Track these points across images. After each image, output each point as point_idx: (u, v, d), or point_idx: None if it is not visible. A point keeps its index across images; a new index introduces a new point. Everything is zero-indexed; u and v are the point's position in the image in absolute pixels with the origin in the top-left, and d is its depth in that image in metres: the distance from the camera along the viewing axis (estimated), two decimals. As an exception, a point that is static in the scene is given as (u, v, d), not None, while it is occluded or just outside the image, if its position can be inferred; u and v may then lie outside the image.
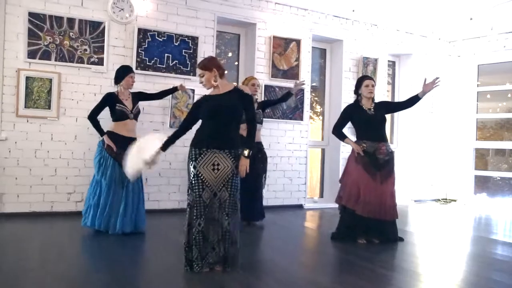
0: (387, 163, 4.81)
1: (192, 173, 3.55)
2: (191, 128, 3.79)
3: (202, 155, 3.54)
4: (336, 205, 5.08)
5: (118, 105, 4.82)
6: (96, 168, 4.85)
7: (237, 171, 3.60)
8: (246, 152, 3.59)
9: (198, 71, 3.73)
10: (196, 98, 3.87)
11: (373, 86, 4.88)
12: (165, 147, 3.70)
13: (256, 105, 5.61)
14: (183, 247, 3.56)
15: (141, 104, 5.22)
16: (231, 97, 3.62)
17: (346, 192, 4.82)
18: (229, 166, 3.56)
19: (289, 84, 6.96)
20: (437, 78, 4.86)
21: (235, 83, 6.76)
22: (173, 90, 5.48)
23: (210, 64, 3.67)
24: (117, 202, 4.74)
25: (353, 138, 4.97)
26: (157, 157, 3.71)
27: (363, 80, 4.94)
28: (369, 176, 4.72)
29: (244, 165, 3.59)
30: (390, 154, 4.87)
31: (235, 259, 3.58)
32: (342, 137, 4.99)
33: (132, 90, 5.10)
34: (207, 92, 3.79)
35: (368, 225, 4.70)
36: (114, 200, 4.73)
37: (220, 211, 3.53)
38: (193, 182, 3.53)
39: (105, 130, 4.88)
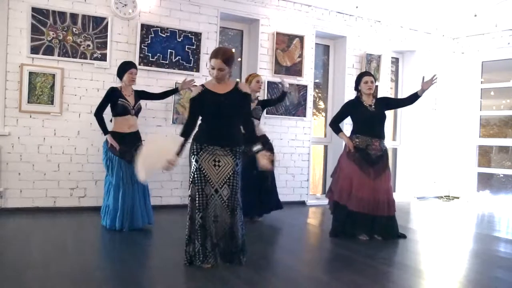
0: (380, 159, 4.80)
1: (194, 167, 3.56)
2: (196, 124, 3.71)
3: (203, 150, 3.54)
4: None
5: (121, 99, 4.82)
6: (105, 169, 4.91)
7: (238, 168, 3.60)
8: (259, 147, 3.51)
9: (220, 63, 3.50)
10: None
11: (372, 82, 4.87)
12: (180, 152, 3.57)
13: (256, 102, 5.61)
14: (185, 240, 3.59)
15: (144, 100, 5.23)
16: (231, 97, 3.57)
17: (338, 187, 4.83)
18: (230, 163, 3.56)
19: (292, 80, 6.96)
20: (435, 75, 4.87)
21: (238, 79, 6.77)
22: (175, 91, 5.45)
23: (231, 60, 3.59)
24: (129, 200, 4.78)
25: (350, 133, 4.98)
26: (176, 161, 3.58)
27: (362, 77, 4.94)
28: (362, 172, 4.72)
29: (266, 160, 3.47)
30: (384, 151, 4.87)
31: (238, 255, 3.59)
32: (338, 130, 5.02)
33: (136, 88, 5.10)
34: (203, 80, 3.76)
35: (365, 221, 4.70)
36: (125, 199, 4.77)
37: (223, 208, 3.53)
38: (195, 175, 3.54)
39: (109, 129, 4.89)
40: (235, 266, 3.54)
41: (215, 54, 3.53)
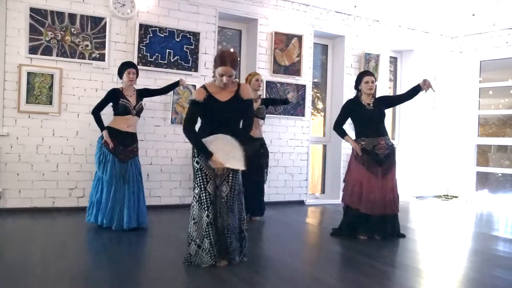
0: (388, 157, 4.80)
1: (196, 168, 3.58)
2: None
3: None
4: (338, 202, 5.08)
5: (122, 100, 4.83)
6: (96, 165, 4.87)
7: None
8: None
9: (230, 70, 3.44)
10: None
11: (373, 82, 4.86)
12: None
13: (259, 101, 5.63)
14: (187, 241, 3.60)
15: (147, 97, 5.25)
16: (233, 105, 3.54)
17: (348, 191, 4.83)
18: None
19: (290, 80, 6.98)
20: (431, 87, 4.81)
21: (237, 81, 6.76)
22: (176, 84, 5.47)
23: (237, 62, 3.56)
24: (119, 198, 4.76)
25: (353, 135, 4.96)
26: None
27: (363, 76, 4.92)
28: (370, 173, 4.71)
29: (217, 165, 3.48)
30: (391, 147, 4.85)
31: (238, 252, 3.61)
32: (343, 134, 4.98)
33: (137, 87, 5.10)
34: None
35: (370, 222, 4.70)
36: (116, 196, 4.75)
37: (223, 205, 3.55)
38: (198, 176, 3.56)
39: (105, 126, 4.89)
40: (235, 265, 3.54)
41: (223, 61, 3.45)
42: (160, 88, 5.41)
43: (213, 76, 3.59)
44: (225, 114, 3.54)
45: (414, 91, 4.89)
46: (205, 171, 3.55)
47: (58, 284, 3.07)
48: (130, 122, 4.90)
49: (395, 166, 4.92)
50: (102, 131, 4.84)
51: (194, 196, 3.59)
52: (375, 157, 4.74)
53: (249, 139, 3.85)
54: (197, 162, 3.57)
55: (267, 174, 5.76)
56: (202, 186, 3.54)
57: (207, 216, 3.51)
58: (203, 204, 3.53)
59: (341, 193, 5.05)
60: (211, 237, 3.49)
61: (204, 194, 3.53)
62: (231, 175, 3.57)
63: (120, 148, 4.80)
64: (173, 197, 6.23)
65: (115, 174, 4.77)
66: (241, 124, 3.69)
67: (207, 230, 3.50)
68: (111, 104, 4.89)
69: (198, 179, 3.56)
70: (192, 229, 3.57)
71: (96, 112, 4.85)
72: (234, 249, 3.57)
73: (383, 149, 4.78)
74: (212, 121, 3.56)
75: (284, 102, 6.06)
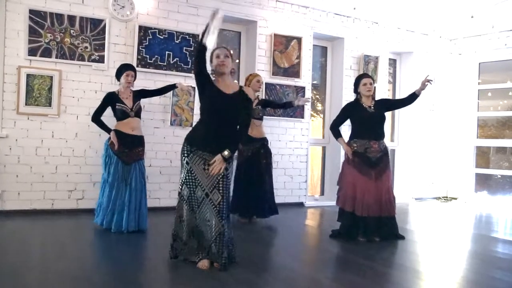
0: (380, 160, 4.80)
1: (186, 169, 3.57)
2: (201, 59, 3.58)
3: (193, 153, 3.54)
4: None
5: (118, 104, 4.83)
6: (103, 166, 4.89)
7: (228, 172, 3.59)
8: (226, 153, 3.49)
9: (225, 50, 3.63)
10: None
11: (371, 84, 4.88)
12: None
13: (257, 101, 5.61)
14: (171, 236, 3.67)
15: (142, 101, 5.22)
16: (237, 98, 3.58)
17: (342, 194, 4.84)
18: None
19: (290, 82, 6.98)
20: (428, 75, 4.87)
21: (235, 81, 6.77)
22: (173, 86, 5.44)
23: (230, 53, 3.69)
24: (120, 200, 4.76)
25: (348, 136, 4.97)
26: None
27: (361, 79, 4.94)
28: (363, 176, 4.71)
29: (218, 165, 3.48)
30: (384, 150, 4.86)
31: (228, 259, 3.57)
32: (337, 135, 4.99)
33: (135, 88, 5.10)
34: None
35: (368, 224, 4.70)
36: (117, 198, 4.75)
37: (214, 213, 3.50)
38: (187, 177, 3.56)
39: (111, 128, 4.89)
40: (234, 267, 3.55)
41: (216, 47, 3.65)
42: (157, 89, 5.38)
43: (212, 73, 3.65)
44: (227, 106, 3.54)
45: (412, 97, 4.94)
46: (194, 174, 3.53)
47: (58, 285, 3.07)
48: (132, 125, 4.89)
49: (390, 168, 4.92)
50: (109, 133, 4.83)
51: (182, 196, 3.59)
52: (367, 160, 4.74)
53: (246, 138, 3.84)
54: (187, 163, 3.55)
55: (270, 176, 5.72)
56: (192, 189, 3.55)
57: (196, 218, 3.56)
58: (191, 205, 3.56)
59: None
60: (199, 237, 3.56)
61: (191, 197, 3.55)
62: (221, 182, 3.53)
63: (125, 151, 4.80)
64: (172, 199, 6.19)
65: (117, 177, 4.77)
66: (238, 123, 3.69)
67: (195, 231, 3.57)
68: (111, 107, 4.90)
69: (188, 180, 3.55)
70: (179, 227, 3.62)
71: (96, 118, 4.86)
72: (225, 256, 3.52)
73: (375, 152, 4.78)
74: (213, 111, 3.53)
75: (284, 106, 6.02)
